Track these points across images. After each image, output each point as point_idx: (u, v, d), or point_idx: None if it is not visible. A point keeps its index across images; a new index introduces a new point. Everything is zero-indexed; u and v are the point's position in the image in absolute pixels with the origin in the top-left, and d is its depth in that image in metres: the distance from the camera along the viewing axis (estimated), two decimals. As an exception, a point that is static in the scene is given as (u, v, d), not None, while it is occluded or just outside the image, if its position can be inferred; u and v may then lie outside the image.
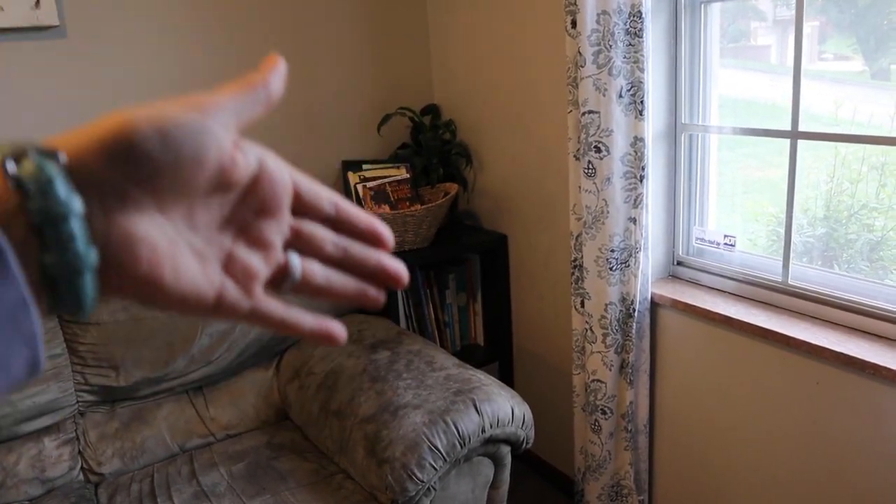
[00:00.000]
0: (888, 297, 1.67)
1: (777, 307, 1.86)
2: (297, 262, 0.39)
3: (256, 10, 2.34)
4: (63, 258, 0.29)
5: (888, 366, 1.52)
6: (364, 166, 2.46)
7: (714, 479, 2.04)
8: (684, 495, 2.15)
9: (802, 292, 1.82)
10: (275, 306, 0.38)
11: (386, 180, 2.41)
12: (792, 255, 1.84)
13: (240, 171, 0.36)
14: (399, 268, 0.42)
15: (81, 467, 1.97)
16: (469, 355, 2.66)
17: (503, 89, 2.43)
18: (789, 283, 1.85)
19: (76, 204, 0.29)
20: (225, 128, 0.35)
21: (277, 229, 0.38)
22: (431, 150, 2.57)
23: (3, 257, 0.27)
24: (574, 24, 1.84)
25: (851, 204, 1.80)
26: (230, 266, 0.37)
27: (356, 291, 0.42)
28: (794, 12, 1.69)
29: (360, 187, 2.38)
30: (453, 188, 2.43)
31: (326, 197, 0.40)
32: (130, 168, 0.31)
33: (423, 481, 1.66)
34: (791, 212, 1.80)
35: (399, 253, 2.31)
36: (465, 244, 2.53)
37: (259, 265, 0.38)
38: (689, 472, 2.12)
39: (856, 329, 1.70)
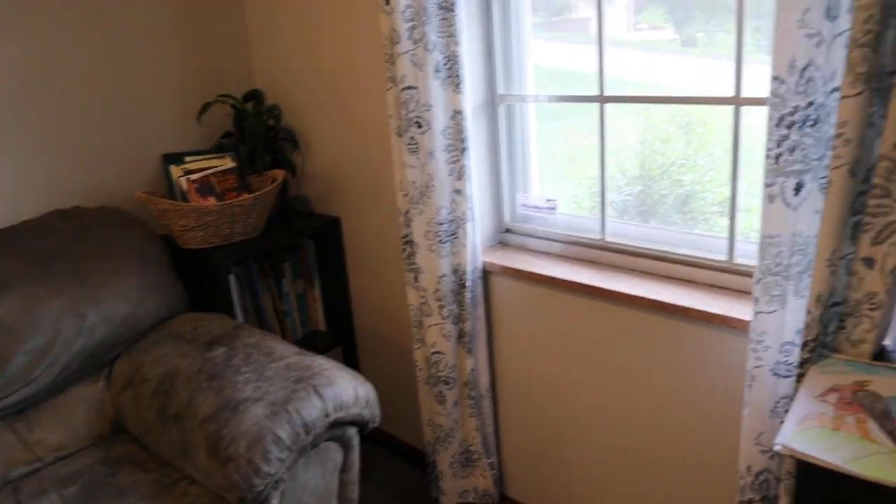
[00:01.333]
0: (696, 244, 1.81)
1: (599, 263, 1.97)
2: None
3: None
4: None
5: (695, 307, 1.65)
6: (186, 158, 2.35)
7: (555, 430, 2.14)
8: (531, 451, 2.24)
9: (620, 247, 1.93)
10: None
11: (210, 171, 2.32)
12: (611, 213, 1.95)
13: None
14: None
15: None
16: (312, 342, 2.63)
17: (324, 70, 2.40)
18: (606, 240, 1.95)
19: None
20: None
21: None
22: (256, 137, 2.50)
23: None
24: (388, 0, 1.84)
25: (663, 162, 1.93)
26: None
27: None
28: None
29: (183, 181, 2.27)
30: (280, 174, 2.38)
31: None
32: None
33: (270, 474, 1.63)
34: (604, 172, 1.90)
35: (230, 245, 2.25)
36: (298, 230, 2.49)
37: None
38: (532, 427, 2.20)
39: (670, 277, 1.83)
